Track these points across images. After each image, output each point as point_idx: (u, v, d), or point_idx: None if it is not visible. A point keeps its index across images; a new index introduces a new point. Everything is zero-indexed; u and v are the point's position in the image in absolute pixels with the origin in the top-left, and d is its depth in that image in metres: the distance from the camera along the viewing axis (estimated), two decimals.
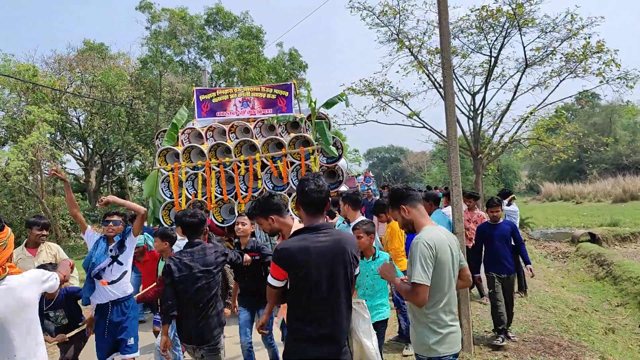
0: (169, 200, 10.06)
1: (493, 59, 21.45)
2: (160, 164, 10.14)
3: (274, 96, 10.66)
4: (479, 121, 22.08)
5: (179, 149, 10.08)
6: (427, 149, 65.19)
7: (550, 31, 19.67)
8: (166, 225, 9.75)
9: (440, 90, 22.15)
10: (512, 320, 7.91)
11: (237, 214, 9.87)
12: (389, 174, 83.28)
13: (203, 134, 10.32)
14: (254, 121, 10.39)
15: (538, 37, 20.13)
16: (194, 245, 4.84)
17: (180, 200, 9.95)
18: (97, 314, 5.56)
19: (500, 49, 21.33)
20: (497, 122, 22.19)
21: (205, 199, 9.95)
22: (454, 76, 22.45)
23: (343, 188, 10.51)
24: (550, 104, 21.33)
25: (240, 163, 9.86)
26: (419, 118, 22.47)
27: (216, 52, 31.68)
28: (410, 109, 22.60)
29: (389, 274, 3.85)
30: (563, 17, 19.35)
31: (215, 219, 9.91)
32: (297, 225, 3.86)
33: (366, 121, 23.40)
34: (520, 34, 19.99)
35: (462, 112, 22.27)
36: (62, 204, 28.61)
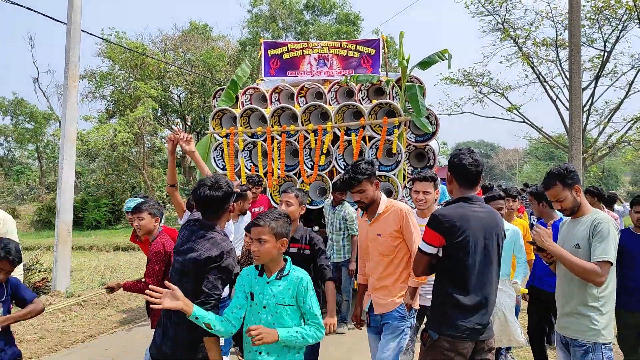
0: (220, 172, 7.62)
1: (606, 54, 18.80)
2: (214, 128, 7.73)
3: (356, 54, 7.98)
4: (584, 119, 19.30)
5: (237, 112, 7.60)
6: (520, 146, 59.00)
7: None
8: None
9: (545, 84, 20.46)
10: None
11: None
12: None
13: (267, 96, 7.79)
14: (330, 84, 7.73)
15: None
16: (202, 229, 3.00)
17: (236, 172, 7.51)
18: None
19: (615, 43, 18.68)
20: (606, 121, 19.77)
21: (265, 174, 7.46)
22: (560, 70, 19.85)
23: None
24: None
25: (308, 133, 7.24)
26: (519, 112, 20.60)
27: (313, 37, 29.40)
28: (510, 102, 20.88)
29: (552, 244, 3.17)
30: None
31: (273, 200, 7.40)
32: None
33: (462, 112, 21.86)
34: (639, 27, 17.99)
35: (567, 108, 20.05)
36: (160, 176, 28.48)
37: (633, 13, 16.91)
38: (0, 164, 34.81)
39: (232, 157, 7.66)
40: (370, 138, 7.26)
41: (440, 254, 3.03)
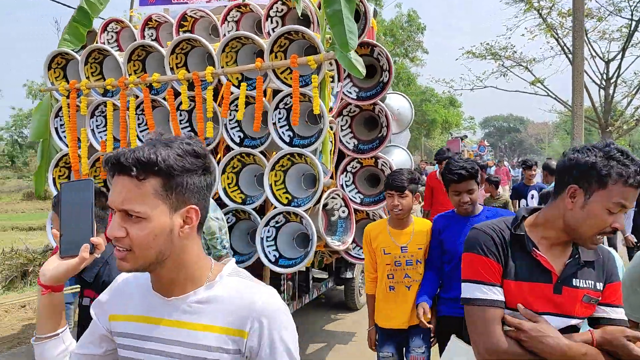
0: (65, 150, 4.39)
1: (634, 23, 16.77)
2: (53, 82, 4.47)
3: None
4: (611, 91, 17.49)
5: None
6: (550, 119, 54.24)
7: None
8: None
9: (570, 55, 17.56)
10: None
11: None
12: (505, 144, 68.15)
13: (137, 33, 4.47)
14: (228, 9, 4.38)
15: None
16: None
17: (80, 150, 4.30)
18: None
19: None
20: (634, 92, 17.62)
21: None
22: (586, 41, 16.98)
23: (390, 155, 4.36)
24: None
25: (181, 84, 3.90)
26: (544, 85, 18.47)
27: None
28: (534, 76, 18.82)
29: None
30: None
31: None
32: None
33: (485, 87, 19.95)
34: None
35: (593, 81, 17.62)
36: None
37: None
38: None
39: (73, 125, 4.39)
40: (276, 92, 3.88)
41: None
